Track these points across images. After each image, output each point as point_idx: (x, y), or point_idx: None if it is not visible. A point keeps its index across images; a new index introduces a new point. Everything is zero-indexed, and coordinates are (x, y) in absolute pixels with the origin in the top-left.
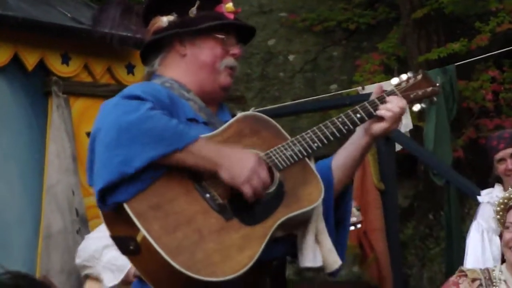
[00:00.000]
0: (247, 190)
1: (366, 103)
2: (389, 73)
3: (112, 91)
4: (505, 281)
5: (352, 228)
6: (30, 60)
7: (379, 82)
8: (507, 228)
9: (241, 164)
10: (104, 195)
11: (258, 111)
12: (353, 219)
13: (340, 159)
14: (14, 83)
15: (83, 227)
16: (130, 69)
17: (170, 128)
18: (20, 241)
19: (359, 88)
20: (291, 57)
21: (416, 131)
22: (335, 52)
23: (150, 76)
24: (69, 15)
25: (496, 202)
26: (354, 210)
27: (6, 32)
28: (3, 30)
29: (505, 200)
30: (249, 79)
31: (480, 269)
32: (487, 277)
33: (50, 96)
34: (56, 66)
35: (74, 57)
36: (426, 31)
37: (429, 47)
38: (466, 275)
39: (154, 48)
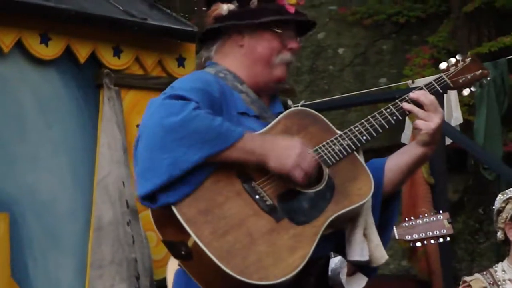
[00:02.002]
0: (297, 174)
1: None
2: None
3: (163, 84)
4: (510, 280)
5: (441, 240)
6: (82, 53)
7: (429, 76)
8: None
9: (287, 151)
10: (153, 195)
11: (307, 105)
12: (442, 231)
13: (394, 162)
14: (66, 75)
15: (134, 219)
16: (181, 62)
17: (215, 128)
18: (71, 232)
19: (409, 81)
20: (340, 51)
21: (467, 125)
22: (384, 46)
23: (205, 62)
24: (121, 8)
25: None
26: (445, 222)
27: (58, 25)
28: (56, 23)
29: None
30: (299, 72)
31: (483, 274)
32: (491, 282)
33: (102, 88)
34: (108, 58)
35: (126, 49)
36: (476, 25)
37: (479, 41)
38: (470, 286)
39: (212, 34)
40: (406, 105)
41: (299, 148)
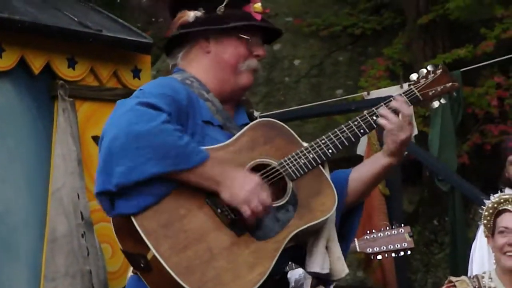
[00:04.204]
0: (245, 210)
1: (382, 104)
2: (395, 79)
3: (118, 95)
4: None
5: (401, 253)
6: (37, 64)
7: (384, 87)
8: (501, 232)
9: (241, 185)
10: (112, 200)
11: (263, 116)
12: (403, 245)
13: (359, 172)
14: (20, 86)
15: (88, 231)
16: (136, 73)
17: (179, 147)
18: (25, 244)
19: (365, 93)
20: (296, 62)
21: (421, 137)
22: (340, 57)
23: (173, 68)
24: (76, 19)
25: (484, 207)
26: (406, 236)
27: (12, 35)
28: (10, 34)
29: (494, 205)
30: (255, 84)
31: (469, 277)
32: (476, 286)
33: (56, 99)
34: (62, 70)
35: (80, 61)
36: (431, 37)
37: (434, 52)
38: (455, 286)
39: (178, 41)
40: (383, 110)
41: (254, 184)
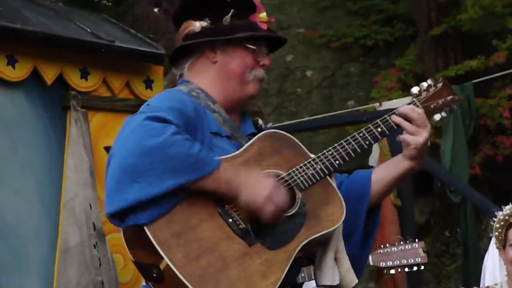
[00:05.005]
0: (264, 214)
1: (386, 116)
2: (407, 90)
3: (130, 106)
4: None
5: (415, 268)
6: (49, 75)
7: (396, 98)
8: None
9: (258, 189)
10: (123, 214)
11: (275, 127)
12: (417, 260)
13: (381, 175)
14: (33, 97)
15: (100, 241)
16: (149, 84)
17: (192, 156)
18: (37, 255)
19: (376, 104)
20: (308, 73)
21: (433, 148)
22: (352, 69)
23: (178, 79)
24: (88, 30)
25: (495, 219)
26: (420, 251)
27: (25, 46)
28: (23, 45)
29: (506, 217)
30: (267, 95)
31: None
32: None
33: (69, 110)
34: (75, 80)
35: (93, 71)
36: (443, 48)
37: (446, 64)
38: None
39: (184, 52)
40: (395, 118)
41: (270, 186)
